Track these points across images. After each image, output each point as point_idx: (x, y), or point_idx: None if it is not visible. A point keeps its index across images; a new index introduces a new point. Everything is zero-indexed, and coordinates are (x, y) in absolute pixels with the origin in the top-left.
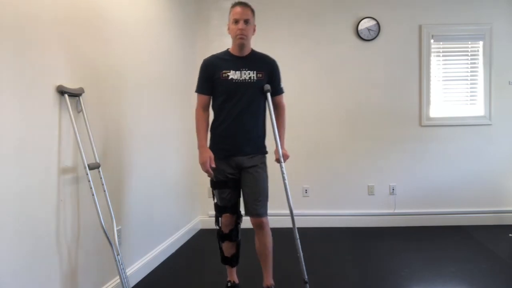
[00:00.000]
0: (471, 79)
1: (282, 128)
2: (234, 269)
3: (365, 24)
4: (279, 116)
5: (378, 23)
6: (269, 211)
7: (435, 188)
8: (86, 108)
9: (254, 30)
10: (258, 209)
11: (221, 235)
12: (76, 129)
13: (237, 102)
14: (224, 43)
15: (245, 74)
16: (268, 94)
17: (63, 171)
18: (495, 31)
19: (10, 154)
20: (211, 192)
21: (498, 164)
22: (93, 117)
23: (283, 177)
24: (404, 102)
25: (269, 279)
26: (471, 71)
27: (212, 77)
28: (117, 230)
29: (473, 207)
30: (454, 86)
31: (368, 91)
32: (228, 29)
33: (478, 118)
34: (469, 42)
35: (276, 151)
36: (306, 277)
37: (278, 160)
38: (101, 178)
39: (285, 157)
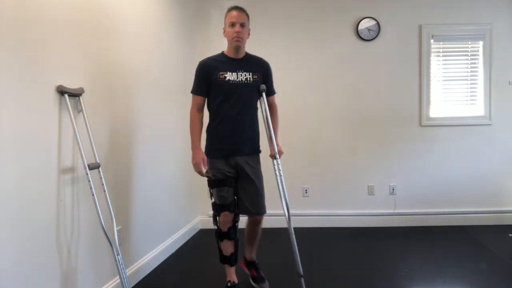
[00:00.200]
0: (471, 79)
1: (276, 127)
2: (234, 269)
3: (365, 24)
4: (273, 115)
5: (378, 23)
6: (268, 211)
7: (435, 188)
8: (86, 108)
9: (249, 34)
10: (260, 209)
11: (220, 234)
12: (76, 129)
13: (234, 102)
14: (223, 43)
15: (241, 76)
16: (264, 94)
17: (63, 171)
18: (495, 31)
19: (10, 154)
20: (209, 193)
21: (498, 164)
22: (93, 117)
23: (279, 173)
24: (404, 102)
25: (253, 255)
26: (471, 71)
27: (208, 79)
28: (117, 230)
29: (473, 207)
30: (454, 86)
31: (368, 91)
32: (224, 32)
33: (478, 118)
34: (469, 42)
35: (272, 148)
36: (301, 271)
37: (273, 156)
38: (101, 178)
39: (280, 153)
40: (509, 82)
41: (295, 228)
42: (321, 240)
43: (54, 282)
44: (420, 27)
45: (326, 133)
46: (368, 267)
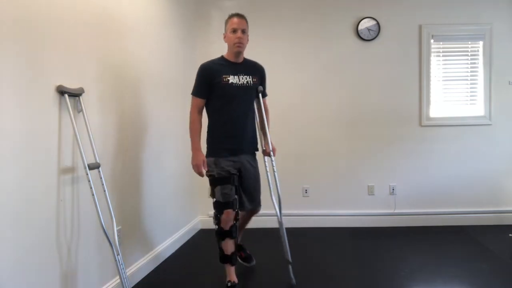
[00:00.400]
0: (471, 79)
1: (269, 126)
2: (234, 269)
3: (365, 24)
4: (267, 116)
5: (378, 23)
6: (268, 211)
7: (435, 188)
8: (86, 108)
9: (248, 39)
10: (257, 205)
11: (221, 233)
12: (76, 129)
13: (237, 104)
14: (223, 44)
15: (243, 79)
16: (260, 95)
17: (63, 171)
18: (495, 31)
19: (10, 154)
20: (211, 192)
21: (498, 164)
22: (93, 117)
23: (274, 169)
24: (404, 102)
25: (239, 238)
26: (471, 71)
27: (211, 82)
28: (117, 230)
29: (473, 207)
30: (454, 86)
31: (368, 91)
32: (225, 37)
33: (478, 118)
34: (469, 42)
35: (267, 146)
36: (290, 258)
37: (268, 154)
38: (101, 178)
39: (274, 151)
40: (509, 82)
41: (295, 228)
42: (321, 240)
43: (54, 282)
44: (420, 27)
45: (326, 133)
46: (368, 267)
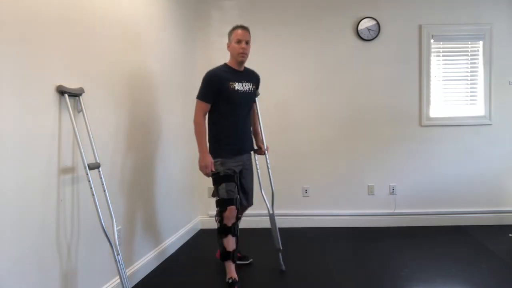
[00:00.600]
0: (471, 79)
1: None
2: (234, 266)
3: (365, 24)
4: (257, 117)
5: (378, 23)
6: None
7: (435, 188)
8: (86, 108)
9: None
10: (251, 201)
11: (224, 230)
12: (76, 129)
13: (241, 109)
14: (224, 43)
15: (245, 86)
16: (257, 99)
17: (63, 171)
18: (495, 31)
19: (10, 154)
20: (211, 192)
21: (498, 164)
22: (93, 117)
23: (268, 167)
24: (404, 102)
25: None
26: (471, 71)
27: (219, 88)
28: (117, 230)
29: (473, 207)
30: (454, 86)
31: (368, 91)
32: (229, 46)
33: (478, 118)
34: (469, 42)
35: (262, 145)
36: (280, 246)
37: (263, 152)
38: (101, 178)
39: (268, 149)
40: (509, 82)
41: (295, 228)
42: (321, 240)
43: (54, 282)
44: (420, 27)
45: (326, 133)
46: (368, 267)
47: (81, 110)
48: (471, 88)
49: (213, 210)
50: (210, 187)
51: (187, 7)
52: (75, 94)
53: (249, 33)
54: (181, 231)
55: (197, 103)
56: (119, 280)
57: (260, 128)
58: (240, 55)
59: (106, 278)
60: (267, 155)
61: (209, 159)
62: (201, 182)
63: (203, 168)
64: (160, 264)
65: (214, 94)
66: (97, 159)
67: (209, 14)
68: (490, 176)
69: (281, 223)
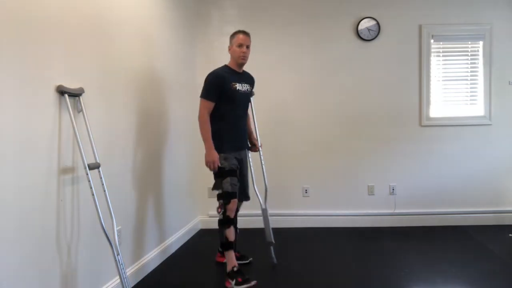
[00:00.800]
0: (471, 79)
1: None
2: (234, 255)
3: (365, 24)
4: (253, 116)
5: (378, 23)
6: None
7: (435, 188)
8: (86, 108)
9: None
10: (248, 196)
11: (227, 221)
12: (76, 129)
13: (241, 108)
14: (224, 43)
15: (244, 86)
16: (252, 98)
17: (63, 171)
18: (495, 31)
19: (10, 154)
20: (211, 192)
21: (498, 164)
22: (93, 117)
23: (262, 163)
24: (404, 102)
25: None
26: (471, 71)
27: (222, 87)
28: (117, 230)
29: (473, 207)
30: (454, 86)
31: (368, 91)
32: (230, 49)
33: (478, 118)
34: (469, 42)
35: (257, 142)
36: (273, 239)
37: (257, 149)
38: (101, 178)
39: (261, 146)
40: (509, 82)
41: (295, 228)
42: (321, 240)
43: (54, 282)
44: (420, 27)
45: (326, 133)
46: (368, 267)
47: (81, 110)
48: (471, 88)
49: (213, 210)
50: (210, 187)
51: (187, 6)
52: (75, 94)
53: (250, 38)
54: (181, 231)
55: (201, 102)
56: (119, 280)
57: (255, 126)
58: (241, 58)
59: (106, 278)
60: (261, 152)
61: (216, 154)
62: (201, 182)
63: (210, 163)
64: (160, 264)
65: (218, 94)
66: (97, 159)
67: (209, 13)
68: (490, 176)
69: (281, 223)
